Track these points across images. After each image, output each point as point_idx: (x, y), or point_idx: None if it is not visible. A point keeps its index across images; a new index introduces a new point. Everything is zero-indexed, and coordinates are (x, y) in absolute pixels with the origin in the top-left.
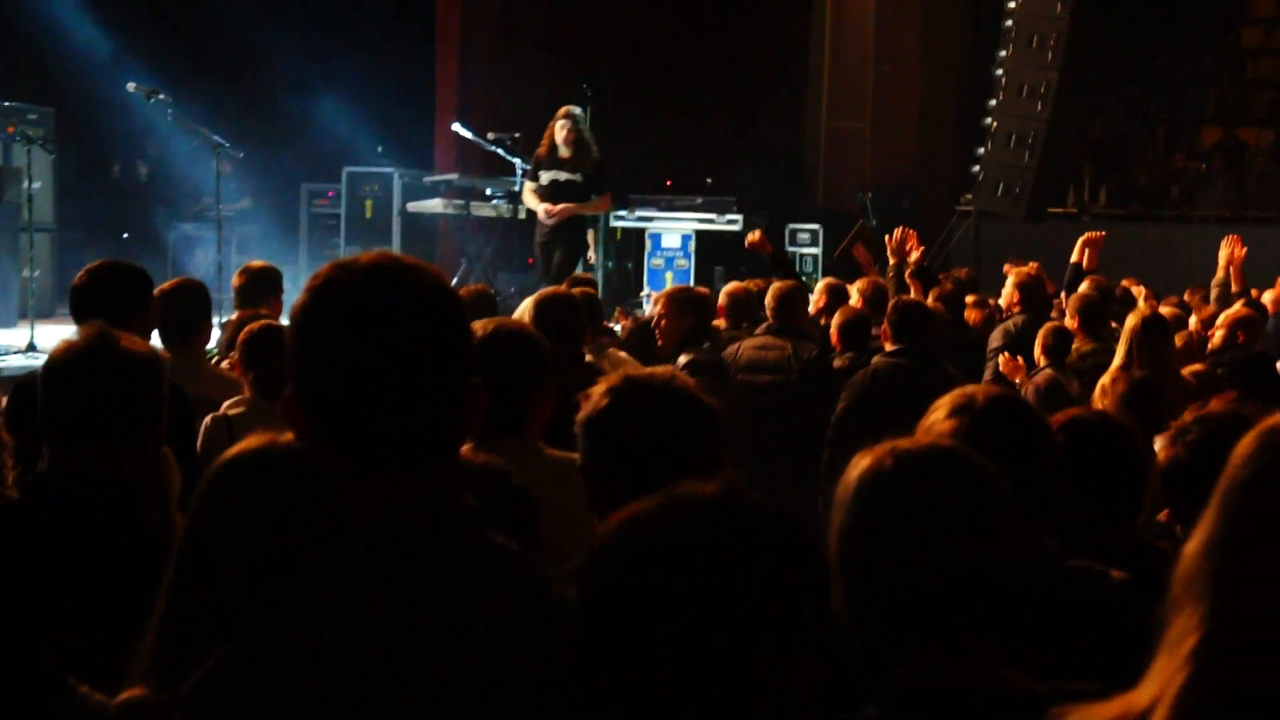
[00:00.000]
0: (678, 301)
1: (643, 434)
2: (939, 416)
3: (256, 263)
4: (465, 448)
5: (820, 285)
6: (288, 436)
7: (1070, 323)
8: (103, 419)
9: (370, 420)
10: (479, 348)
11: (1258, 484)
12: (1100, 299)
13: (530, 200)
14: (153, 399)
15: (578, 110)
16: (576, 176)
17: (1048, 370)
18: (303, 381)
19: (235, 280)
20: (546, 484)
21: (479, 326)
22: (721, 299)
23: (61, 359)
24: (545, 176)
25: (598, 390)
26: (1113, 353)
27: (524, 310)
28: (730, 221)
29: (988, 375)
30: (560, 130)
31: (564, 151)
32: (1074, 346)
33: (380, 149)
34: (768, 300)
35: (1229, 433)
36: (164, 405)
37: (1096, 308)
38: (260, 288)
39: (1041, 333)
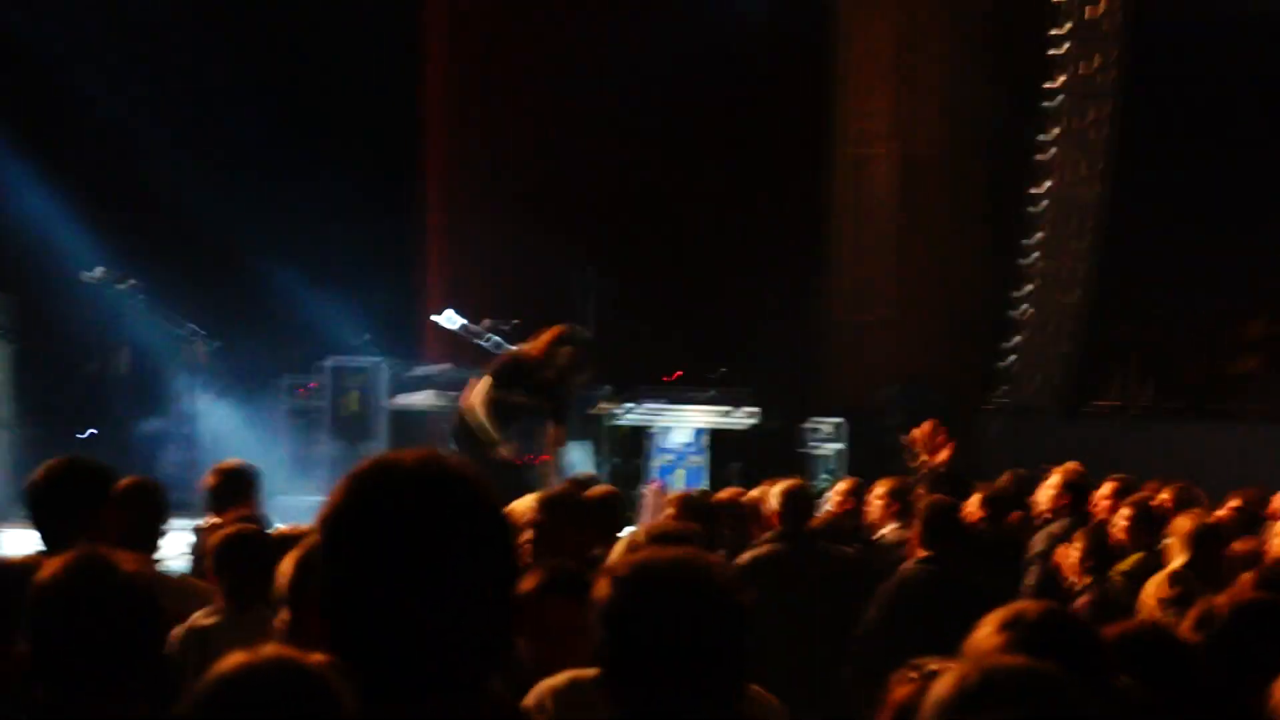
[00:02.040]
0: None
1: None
2: (988, 631)
3: (230, 461)
4: None
5: (842, 486)
6: (270, 649)
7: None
8: (104, 653)
9: (405, 634)
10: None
11: None
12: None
13: (482, 412)
14: (152, 628)
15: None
16: (543, 402)
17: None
18: (331, 583)
19: (207, 480)
20: None
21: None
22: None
23: (53, 585)
24: (515, 395)
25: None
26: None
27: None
28: (748, 415)
29: (1029, 581)
30: (564, 357)
31: (551, 374)
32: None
33: (366, 337)
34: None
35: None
36: (164, 633)
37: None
38: (234, 489)
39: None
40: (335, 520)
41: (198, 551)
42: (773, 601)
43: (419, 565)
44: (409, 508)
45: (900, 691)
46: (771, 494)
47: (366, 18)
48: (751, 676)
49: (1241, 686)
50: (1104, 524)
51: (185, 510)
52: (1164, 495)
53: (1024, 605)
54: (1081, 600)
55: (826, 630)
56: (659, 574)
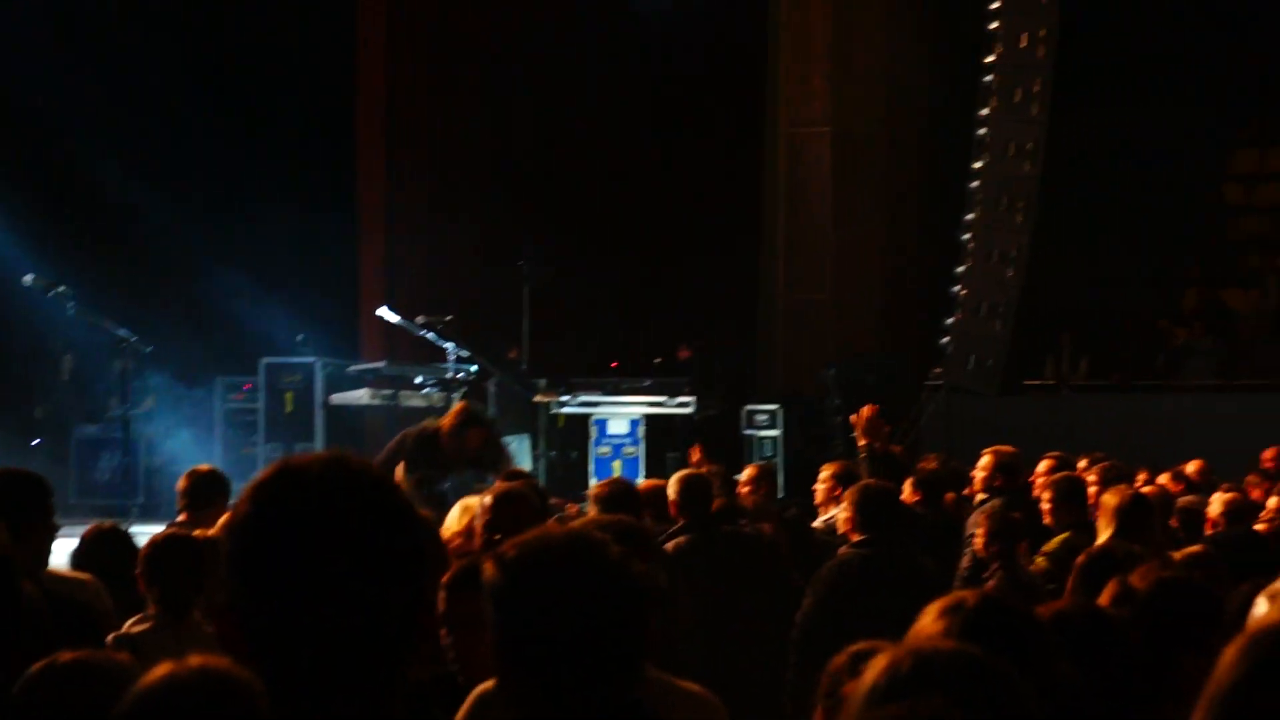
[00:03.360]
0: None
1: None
2: (929, 620)
3: (204, 466)
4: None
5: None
6: (196, 659)
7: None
8: None
9: (312, 638)
10: None
11: (1245, 689)
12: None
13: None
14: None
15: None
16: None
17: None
18: (241, 594)
19: (180, 484)
20: None
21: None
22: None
23: None
24: (433, 474)
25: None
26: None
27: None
28: (682, 404)
29: (965, 563)
30: (474, 439)
31: (462, 458)
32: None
33: (301, 338)
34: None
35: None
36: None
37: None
38: (207, 493)
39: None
40: (240, 528)
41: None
42: (687, 590)
43: (324, 570)
44: (313, 513)
45: (849, 685)
46: (669, 484)
47: (303, 18)
48: (675, 666)
49: (1159, 662)
50: (1006, 506)
51: (120, 515)
52: (1090, 473)
53: (964, 593)
54: (989, 584)
55: (745, 613)
56: (547, 552)
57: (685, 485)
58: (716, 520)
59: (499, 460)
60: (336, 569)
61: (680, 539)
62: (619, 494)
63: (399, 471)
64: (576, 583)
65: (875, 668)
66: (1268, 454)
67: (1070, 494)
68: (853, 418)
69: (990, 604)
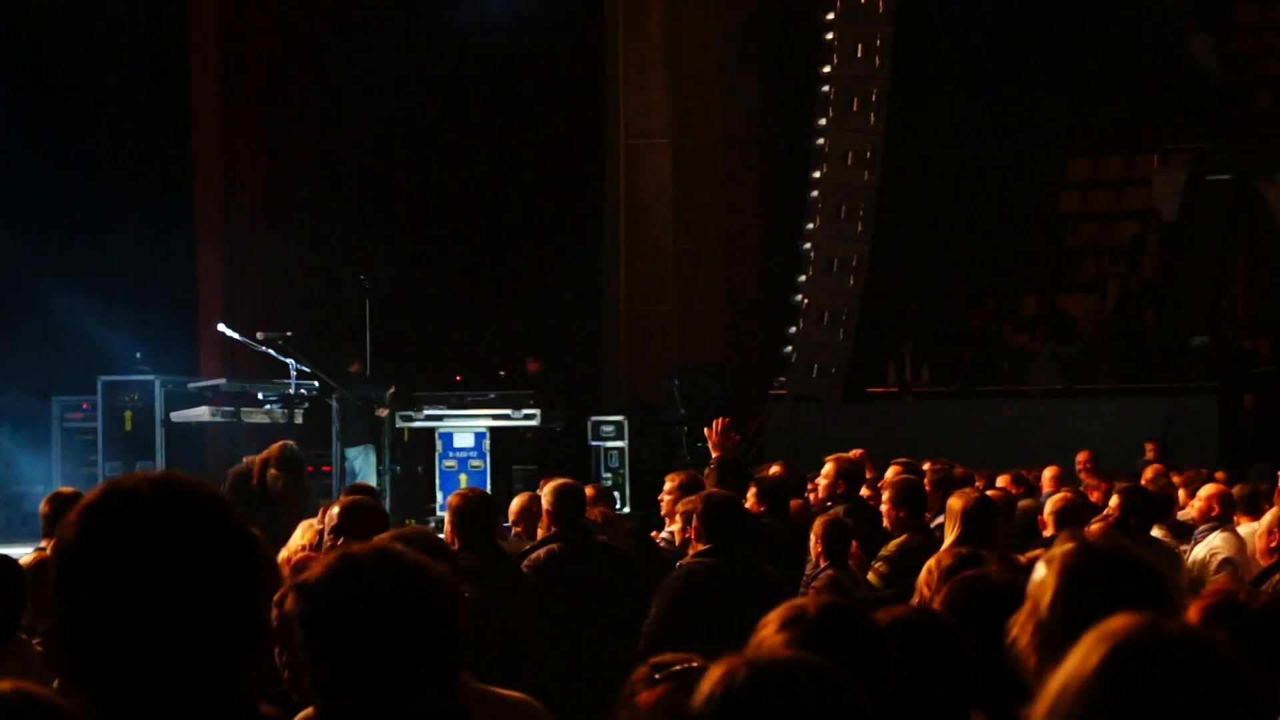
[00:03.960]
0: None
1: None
2: (769, 630)
3: (66, 489)
4: None
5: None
6: (7, 683)
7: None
8: None
9: (142, 660)
10: None
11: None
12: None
13: None
14: None
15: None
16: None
17: (829, 571)
18: (68, 615)
19: (43, 507)
20: None
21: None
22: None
23: None
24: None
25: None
26: (930, 541)
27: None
28: (528, 417)
29: (809, 570)
30: (276, 481)
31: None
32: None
33: (139, 355)
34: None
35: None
36: None
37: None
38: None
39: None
40: (67, 549)
41: None
42: (555, 600)
43: (151, 591)
44: (140, 534)
45: (644, 694)
46: (543, 493)
47: (137, 32)
48: (525, 675)
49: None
50: (849, 513)
51: None
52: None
53: (804, 601)
54: (813, 586)
55: (608, 624)
56: (347, 572)
57: (560, 494)
58: (587, 530)
59: (296, 503)
60: (164, 590)
61: (552, 546)
62: (476, 504)
63: None
64: (380, 597)
65: (710, 679)
66: (1081, 457)
67: (907, 497)
68: (706, 430)
69: (832, 612)
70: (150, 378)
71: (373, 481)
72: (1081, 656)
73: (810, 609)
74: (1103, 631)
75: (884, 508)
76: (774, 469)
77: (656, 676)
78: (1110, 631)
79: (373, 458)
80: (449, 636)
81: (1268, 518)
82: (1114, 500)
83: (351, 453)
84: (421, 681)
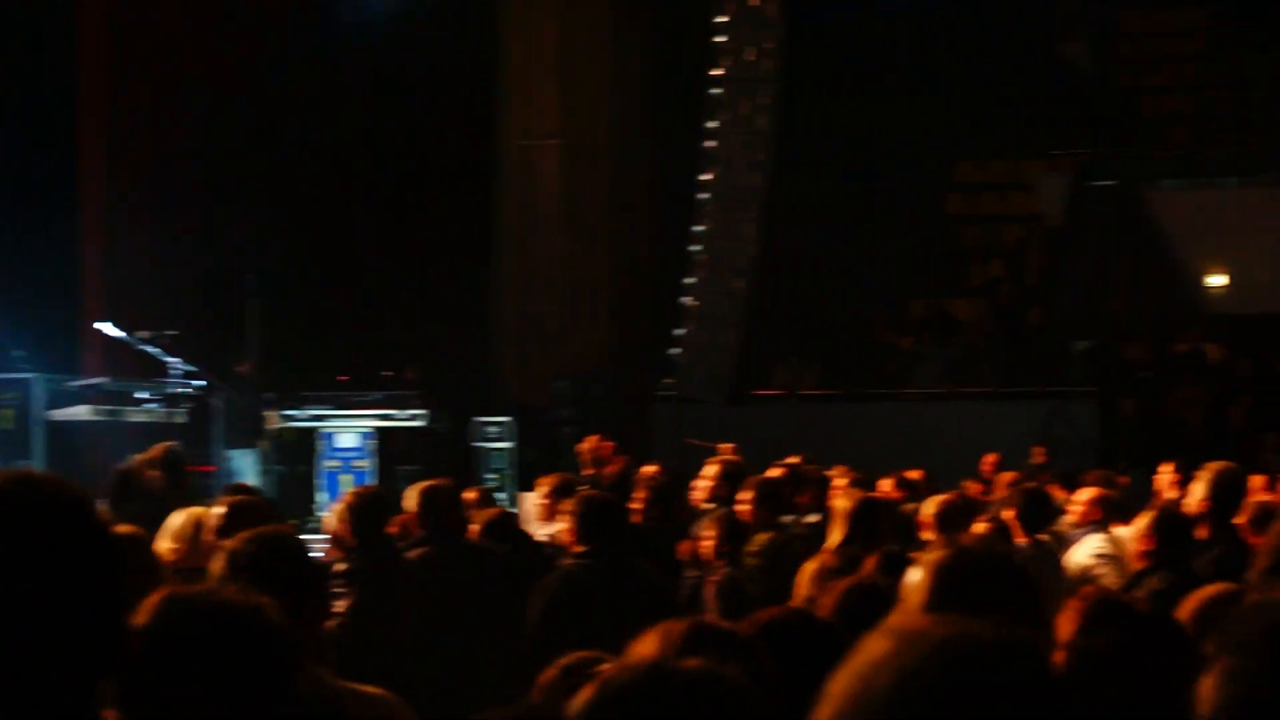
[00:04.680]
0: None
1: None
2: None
3: None
4: None
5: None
6: None
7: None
8: None
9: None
10: None
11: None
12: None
13: None
14: None
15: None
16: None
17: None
18: None
19: None
20: None
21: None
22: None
23: None
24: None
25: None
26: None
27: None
28: (413, 417)
29: (692, 572)
30: (153, 482)
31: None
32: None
33: (17, 353)
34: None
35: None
36: None
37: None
38: None
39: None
40: None
41: None
42: (424, 602)
43: (7, 589)
44: None
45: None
46: (408, 495)
47: (22, 24)
48: (405, 673)
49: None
50: (725, 514)
51: None
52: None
53: (673, 623)
54: (709, 584)
55: (479, 626)
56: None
57: (427, 496)
58: (459, 532)
59: (178, 504)
60: (21, 588)
61: (421, 550)
62: (372, 502)
63: (103, 509)
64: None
65: (590, 686)
66: (988, 459)
67: (768, 496)
68: (582, 444)
69: (700, 627)
70: (30, 375)
71: (254, 481)
72: (876, 663)
73: (678, 626)
74: (899, 639)
75: (745, 507)
76: (650, 470)
77: (571, 680)
78: (907, 638)
79: (255, 458)
80: (265, 641)
81: (1142, 522)
82: (1002, 498)
83: (234, 453)
84: (243, 690)
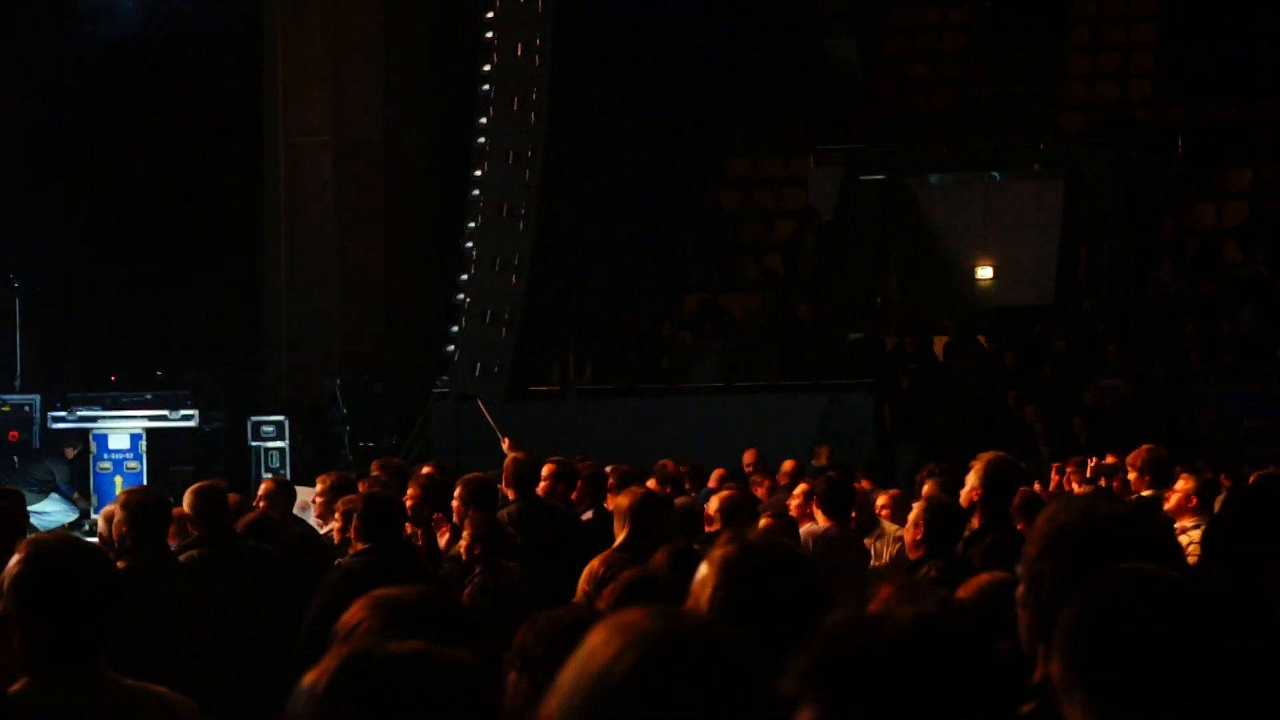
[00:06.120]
0: None
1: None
2: (355, 610)
3: None
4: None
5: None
6: None
7: None
8: None
9: None
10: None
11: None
12: None
13: None
14: None
15: None
16: None
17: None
18: None
19: None
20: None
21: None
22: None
23: None
24: None
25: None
26: None
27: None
28: (185, 417)
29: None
30: None
31: None
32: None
33: None
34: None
35: None
36: None
37: None
38: None
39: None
40: None
41: None
42: (201, 603)
43: None
44: None
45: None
46: (185, 497)
47: None
48: (193, 673)
49: None
50: (520, 511)
51: None
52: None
53: (393, 590)
54: (468, 589)
55: (253, 625)
56: None
57: (200, 497)
58: (230, 532)
59: None
60: None
61: (192, 552)
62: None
63: None
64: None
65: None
66: (748, 457)
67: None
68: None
69: (426, 599)
70: None
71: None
72: (608, 659)
73: (403, 596)
74: (627, 633)
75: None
76: (425, 470)
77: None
78: (637, 634)
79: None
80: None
81: (913, 513)
82: (799, 490)
83: None
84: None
